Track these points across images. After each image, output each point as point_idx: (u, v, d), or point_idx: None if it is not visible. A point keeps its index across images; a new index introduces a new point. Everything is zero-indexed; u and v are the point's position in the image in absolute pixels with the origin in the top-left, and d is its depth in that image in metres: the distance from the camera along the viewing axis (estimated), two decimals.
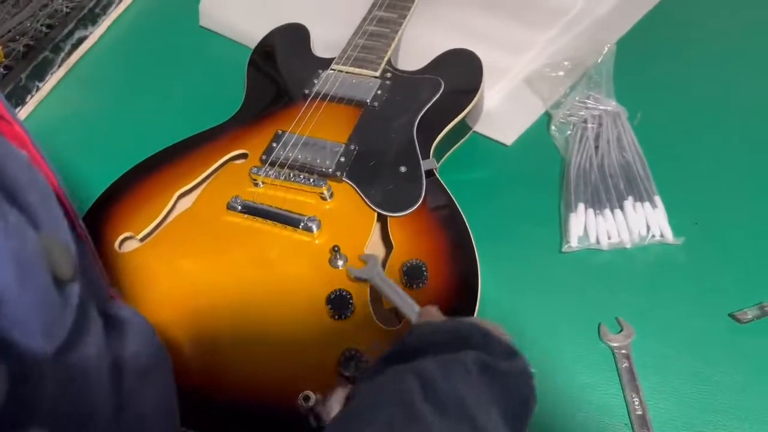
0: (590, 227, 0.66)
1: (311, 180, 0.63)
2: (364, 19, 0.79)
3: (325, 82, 0.72)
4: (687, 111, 0.77)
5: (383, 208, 0.61)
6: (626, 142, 0.71)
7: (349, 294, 0.55)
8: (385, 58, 0.74)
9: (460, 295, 0.56)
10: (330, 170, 0.64)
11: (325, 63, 0.76)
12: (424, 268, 0.57)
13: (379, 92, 0.71)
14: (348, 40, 0.77)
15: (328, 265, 0.58)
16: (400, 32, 0.77)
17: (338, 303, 0.55)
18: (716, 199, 0.68)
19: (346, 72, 0.73)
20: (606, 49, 0.74)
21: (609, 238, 0.65)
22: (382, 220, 0.61)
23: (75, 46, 0.93)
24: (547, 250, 0.66)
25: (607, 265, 0.65)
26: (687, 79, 0.81)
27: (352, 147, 0.66)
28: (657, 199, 0.67)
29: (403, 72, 0.74)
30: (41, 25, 0.91)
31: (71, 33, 0.92)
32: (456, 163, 0.74)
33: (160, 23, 1.01)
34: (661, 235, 0.65)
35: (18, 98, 0.86)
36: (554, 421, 0.55)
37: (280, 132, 0.68)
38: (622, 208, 0.66)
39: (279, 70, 0.77)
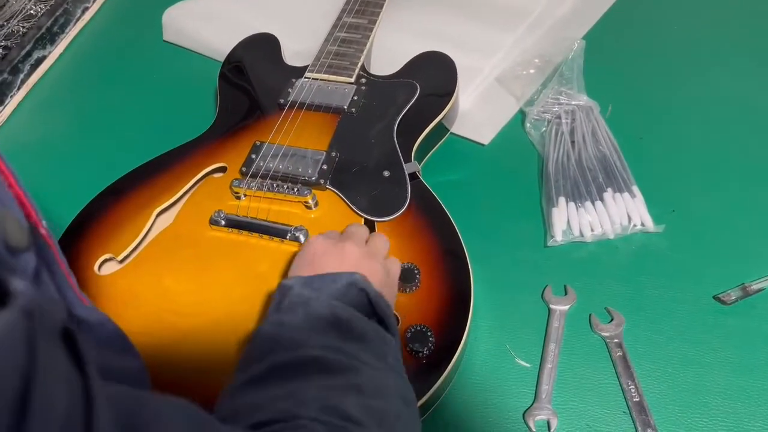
0: (573, 220, 0.67)
1: (295, 189, 0.62)
2: (334, 26, 0.79)
3: (300, 90, 0.72)
4: (655, 100, 0.79)
5: (370, 213, 0.61)
6: (601, 135, 0.72)
7: None
8: (359, 64, 0.74)
9: (454, 295, 0.56)
10: (313, 178, 0.63)
11: (299, 71, 0.75)
12: (416, 271, 0.56)
13: (355, 98, 0.70)
14: (320, 48, 0.76)
15: None
16: (371, 37, 0.77)
17: None
18: (690, 185, 0.70)
19: (321, 79, 0.73)
20: (576, 45, 0.76)
21: (592, 230, 0.66)
22: (369, 225, 0.61)
23: (34, 67, 0.90)
24: (532, 245, 0.67)
25: (593, 257, 0.66)
26: (652, 69, 0.83)
27: (333, 154, 0.65)
28: (635, 189, 0.68)
29: (378, 77, 0.74)
30: None
31: (29, 54, 0.89)
32: (435, 165, 0.74)
33: (121, 39, 0.98)
34: (642, 224, 0.66)
35: None
36: (567, 421, 0.55)
37: (258, 143, 0.67)
38: (602, 199, 0.67)
39: (251, 81, 0.76)
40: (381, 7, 0.81)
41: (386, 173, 0.64)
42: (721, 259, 0.64)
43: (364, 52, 0.75)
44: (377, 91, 0.72)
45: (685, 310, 0.61)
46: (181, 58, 0.94)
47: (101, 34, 0.99)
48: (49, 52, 0.93)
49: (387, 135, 0.67)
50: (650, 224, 0.66)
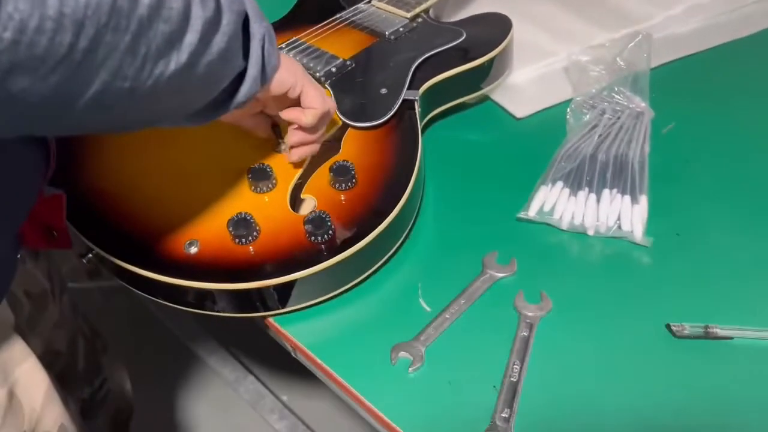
0: (558, 204, 0.61)
1: None
2: None
3: (357, 11, 0.75)
4: (723, 139, 0.69)
5: (347, 116, 0.62)
6: (635, 137, 0.65)
7: (270, 169, 0.56)
8: (423, 6, 0.75)
9: (374, 209, 0.54)
10: (317, 74, 0.65)
11: (370, 0, 0.78)
12: (352, 171, 0.56)
13: (401, 29, 0.72)
14: None
15: (270, 142, 0.59)
16: None
17: (258, 175, 0.56)
18: (710, 218, 0.60)
19: (380, 8, 0.75)
20: (640, 36, 0.69)
21: (572, 218, 0.60)
22: (343, 128, 0.62)
23: None
24: (503, 214, 0.62)
25: (558, 244, 0.59)
26: (735, 120, 0.72)
27: (348, 62, 0.67)
28: (642, 198, 0.60)
29: (435, 21, 0.75)
30: None
31: None
32: (461, 121, 0.73)
33: None
34: (631, 231, 0.58)
35: None
36: (431, 370, 0.51)
37: (294, 38, 0.71)
38: (598, 194, 0.61)
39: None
40: None
41: (383, 90, 0.64)
42: (701, 296, 0.54)
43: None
44: (425, 30, 0.72)
45: (625, 324, 0.52)
46: None
47: None
48: None
49: (406, 63, 0.67)
50: (639, 233, 0.58)
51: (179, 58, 0.36)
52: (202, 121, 0.45)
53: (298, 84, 0.51)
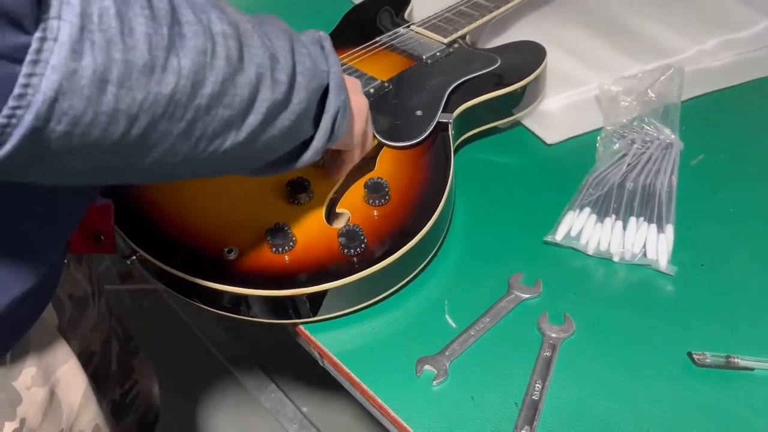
0: (585, 229, 0.62)
1: None
2: (464, 1, 0.83)
3: (396, 35, 0.78)
4: (749, 180, 0.70)
5: (382, 135, 0.64)
6: (664, 168, 0.66)
7: (308, 183, 0.59)
8: (460, 32, 0.77)
9: (402, 228, 0.56)
10: None
11: (409, 25, 0.81)
12: (386, 186, 0.58)
13: (437, 54, 0.74)
14: (436, 12, 0.82)
15: None
16: (486, 18, 0.80)
17: (296, 188, 0.59)
18: (736, 250, 0.61)
19: (419, 33, 0.78)
20: (672, 70, 0.71)
21: (598, 244, 0.61)
22: (378, 147, 0.64)
23: None
24: (531, 236, 0.63)
25: (583, 268, 0.61)
26: (763, 154, 0.73)
27: (386, 85, 0.70)
28: (669, 227, 0.61)
29: (471, 46, 0.77)
30: None
31: None
32: (492, 145, 0.75)
33: None
34: (656, 259, 0.59)
35: None
36: (455, 384, 0.53)
37: None
38: (625, 222, 0.62)
39: (366, 22, 0.83)
40: None
41: (419, 112, 0.67)
42: (724, 327, 0.55)
43: (471, 26, 0.78)
44: (461, 55, 0.75)
45: (646, 350, 0.53)
46: None
47: None
48: None
49: (442, 87, 0.69)
50: (664, 262, 0.59)
51: (237, 137, 0.35)
52: (259, 176, 0.44)
53: (355, 146, 0.54)
